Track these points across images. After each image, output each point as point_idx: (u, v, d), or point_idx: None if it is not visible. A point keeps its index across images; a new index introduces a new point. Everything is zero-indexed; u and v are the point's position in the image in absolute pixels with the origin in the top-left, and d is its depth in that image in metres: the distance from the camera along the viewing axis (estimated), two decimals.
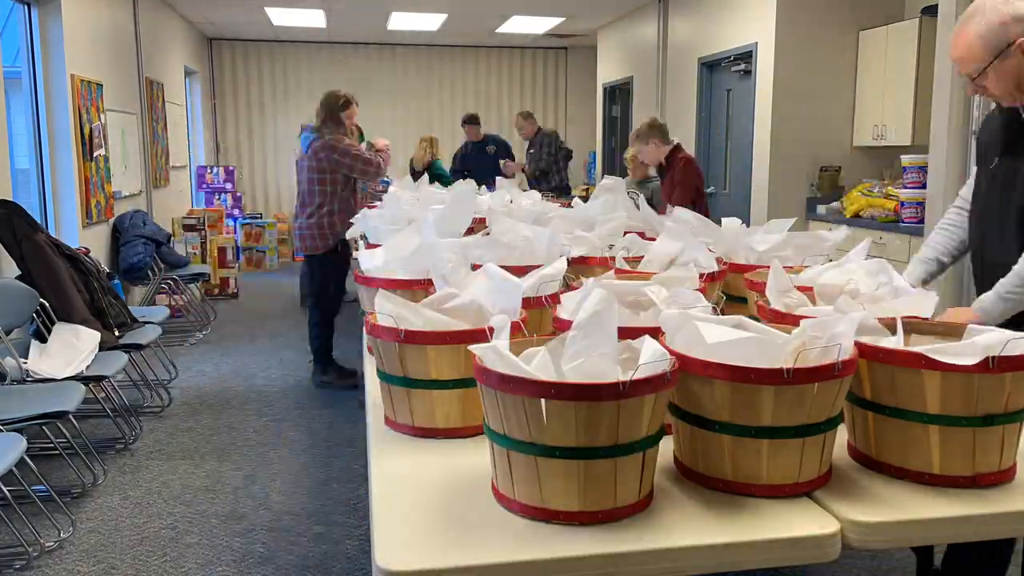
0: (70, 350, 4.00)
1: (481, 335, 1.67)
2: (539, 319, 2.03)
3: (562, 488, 1.38)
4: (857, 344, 1.54)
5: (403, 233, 2.51)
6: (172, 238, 7.37)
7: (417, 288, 2.21)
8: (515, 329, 1.72)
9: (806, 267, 2.28)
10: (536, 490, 1.39)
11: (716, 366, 1.43)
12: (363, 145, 6.54)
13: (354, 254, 4.20)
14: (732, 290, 2.38)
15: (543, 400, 1.34)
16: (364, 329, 2.42)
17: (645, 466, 1.42)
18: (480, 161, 8.31)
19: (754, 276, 2.23)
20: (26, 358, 3.89)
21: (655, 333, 1.58)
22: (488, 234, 2.57)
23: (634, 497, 1.42)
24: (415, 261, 2.29)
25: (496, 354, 1.42)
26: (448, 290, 1.96)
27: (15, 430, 3.07)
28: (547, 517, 1.40)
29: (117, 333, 4.55)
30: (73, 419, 3.66)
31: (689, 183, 4.93)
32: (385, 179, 7.40)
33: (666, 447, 1.59)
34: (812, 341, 1.49)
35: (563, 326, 1.72)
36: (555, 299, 2.01)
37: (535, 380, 1.36)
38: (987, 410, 1.49)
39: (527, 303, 1.94)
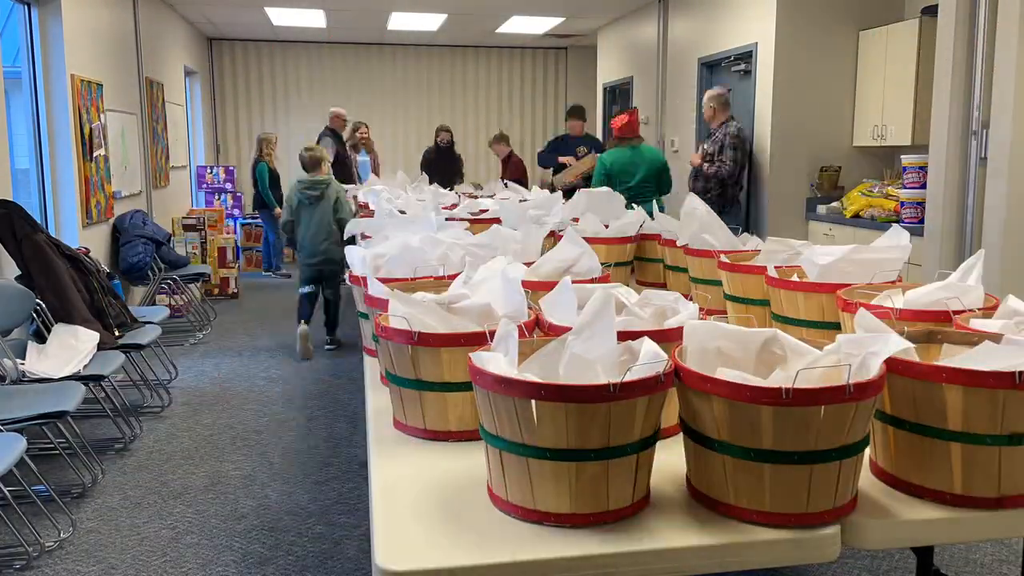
0: (68, 350, 4.00)
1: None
2: None
3: (552, 490, 1.37)
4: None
5: (403, 230, 2.53)
6: (172, 238, 7.37)
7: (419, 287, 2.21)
8: (519, 332, 1.73)
9: (884, 288, 2.04)
10: (528, 492, 1.39)
11: (714, 381, 1.35)
12: None
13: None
14: (748, 291, 2.38)
15: (533, 401, 1.33)
16: (371, 331, 2.41)
17: (639, 469, 1.42)
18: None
19: (733, 259, 2.21)
20: (23, 358, 3.89)
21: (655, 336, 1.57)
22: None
23: (627, 501, 1.41)
24: (411, 258, 2.30)
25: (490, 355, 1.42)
26: (460, 290, 1.97)
27: (15, 430, 3.07)
28: (538, 519, 1.39)
29: (117, 333, 4.55)
30: (73, 419, 3.66)
31: None
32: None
33: (677, 458, 1.57)
34: (846, 358, 1.40)
35: (555, 331, 1.72)
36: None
37: (525, 381, 1.35)
38: (1014, 428, 1.41)
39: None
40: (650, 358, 1.40)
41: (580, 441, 1.34)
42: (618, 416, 1.34)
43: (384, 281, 2.20)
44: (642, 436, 1.40)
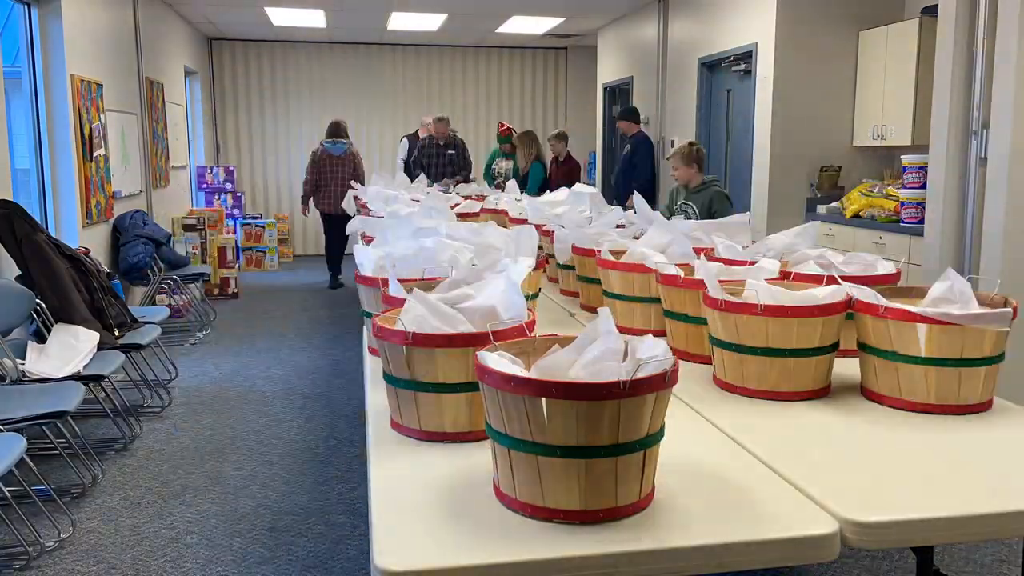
0: (68, 350, 4.00)
1: (488, 339, 1.66)
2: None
3: (563, 487, 1.38)
4: (859, 302, 1.98)
5: (401, 230, 2.53)
6: (172, 238, 7.37)
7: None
8: (520, 332, 1.73)
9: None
10: (537, 489, 1.39)
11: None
12: None
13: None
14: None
15: (544, 399, 1.34)
16: (369, 331, 2.42)
17: (646, 465, 1.42)
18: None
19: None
20: (23, 358, 3.89)
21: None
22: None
23: (635, 496, 1.42)
24: (415, 260, 2.30)
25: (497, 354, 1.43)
26: (465, 290, 1.97)
27: (15, 430, 3.07)
28: (548, 516, 1.39)
29: (117, 333, 4.54)
30: (73, 419, 3.66)
31: None
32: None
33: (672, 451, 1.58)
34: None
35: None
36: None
37: (536, 379, 1.36)
38: (969, 354, 1.89)
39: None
40: (652, 354, 1.41)
41: (590, 438, 1.35)
42: (628, 413, 1.35)
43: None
44: (650, 432, 1.40)
